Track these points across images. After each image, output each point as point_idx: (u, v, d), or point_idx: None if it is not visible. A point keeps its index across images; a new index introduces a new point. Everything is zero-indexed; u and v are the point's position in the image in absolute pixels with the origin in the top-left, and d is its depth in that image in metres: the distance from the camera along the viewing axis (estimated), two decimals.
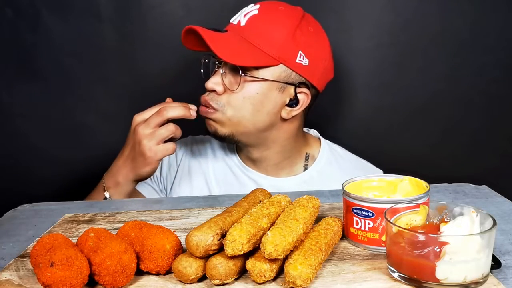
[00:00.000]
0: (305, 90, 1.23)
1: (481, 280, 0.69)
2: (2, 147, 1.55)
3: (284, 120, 1.24)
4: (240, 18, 1.21)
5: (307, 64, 1.20)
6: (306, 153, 1.35)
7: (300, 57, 1.19)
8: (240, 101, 1.19)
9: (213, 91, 1.21)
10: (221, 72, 1.20)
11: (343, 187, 0.86)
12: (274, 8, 1.22)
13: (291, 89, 1.21)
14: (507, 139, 1.62)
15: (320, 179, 1.31)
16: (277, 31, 1.19)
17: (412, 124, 1.58)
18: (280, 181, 1.31)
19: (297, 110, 1.24)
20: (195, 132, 1.46)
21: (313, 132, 1.42)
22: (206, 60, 1.26)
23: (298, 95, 1.22)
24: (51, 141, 1.55)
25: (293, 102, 1.22)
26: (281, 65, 1.18)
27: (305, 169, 1.33)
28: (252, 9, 1.21)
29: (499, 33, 1.53)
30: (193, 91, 1.53)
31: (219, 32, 1.20)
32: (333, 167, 1.34)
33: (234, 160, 1.35)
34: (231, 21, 1.24)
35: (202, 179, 1.35)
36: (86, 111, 1.54)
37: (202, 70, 1.25)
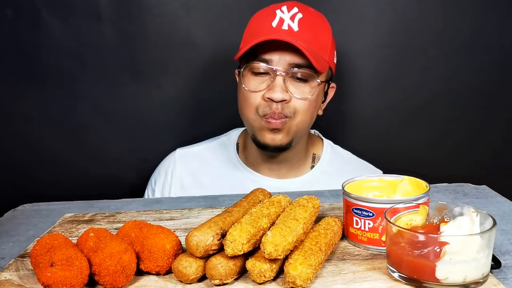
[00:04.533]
0: (333, 84, 1.29)
1: (481, 280, 0.69)
2: (2, 147, 1.55)
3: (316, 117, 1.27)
4: (288, 22, 1.17)
5: (335, 61, 1.26)
6: (313, 154, 1.35)
7: (335, 58, 1.25)
8: (306, 106, 1.18)
9: (282, 101, 1.16)
10: (284, 80, 1.15)
11: (343, 187, 0.86)
12: (308, 9, 1.21)
13: (326, 85, 1.26)
14: (507, 139, 1.62)
15: (323, 179, 1.31)
16: (324, 35, 1.20)
17: (412, 124, 1.58)
18: (285, 183, 1.30)
19: (325, 103, 1.29)
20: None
21: (315, 132, 1.42)
22: (260, 71, 1.17)
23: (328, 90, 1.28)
24: (51, 141, 1.55)
25: (325, 97, 1.28)
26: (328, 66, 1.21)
27: (311, 169, 1.33)
28: (294, 12, 1.18)
29: (499, 33, 1.53)
30: (192, 90, 1.54)
31: (288, 38, 1.13)
32: (336, 168, 1.34)
33: (237, 165, 1.33)
34: (274, 26, 1.17)
35: (201, 192, 1.29)
36: (86, 111, 1.54)
37: (245, 85, 1.19)
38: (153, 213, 1.03)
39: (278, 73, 1.15)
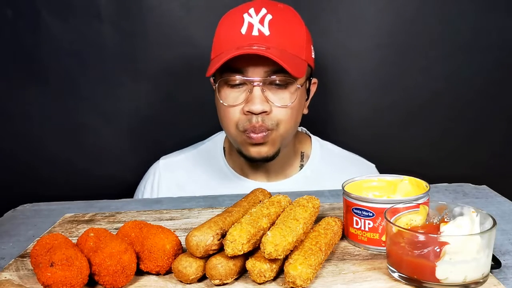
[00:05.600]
0: (314, 79, 1.24)
1: (481, 280, 0.69)
2: (2, 147, 1.55)
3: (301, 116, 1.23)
4: (258, 27, 1.10)
5: (313, 56, 1.21)
6: (301, 152, 1.32)
7: (312, 52, 1.20)
8: (289, 113, 1.13)
9: (263, 112, 1.11)
10: (262, 90, 1.10)
11: (343, 187, 0.86)
12: (277, 6, 1.15)
13: (308, 83, 1.21)
14: (507, 139, 1.62)
15: (314, 178, 1.28)
16: (298, 32, 1.14)
17: (412, 124, 1.58)
18: (275, 185, 1.26)
19: (309, 101, 1.24)
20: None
21: (302, 129, 1.38)
22: (236, 83, 1.11)
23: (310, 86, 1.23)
24: (51, 141, 1.55)
25: (308, 94, 1.23)
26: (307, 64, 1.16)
27: (301, 169, 1.30)
28: (263, 14, 1.11)
29: (499, 33, 1.53)
30: (192, 90, 1.54)
31: (261, 49, 1.07)
32: (326, 164, 1.31)
33: (225, 172, 1.29)
34: (243, 33, 1.10)
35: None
36: (86, 111, 1.54)
37: (222, 100, 1.14)
38: (153, 213, 1.03)
39: (255, 83, 1.09)
